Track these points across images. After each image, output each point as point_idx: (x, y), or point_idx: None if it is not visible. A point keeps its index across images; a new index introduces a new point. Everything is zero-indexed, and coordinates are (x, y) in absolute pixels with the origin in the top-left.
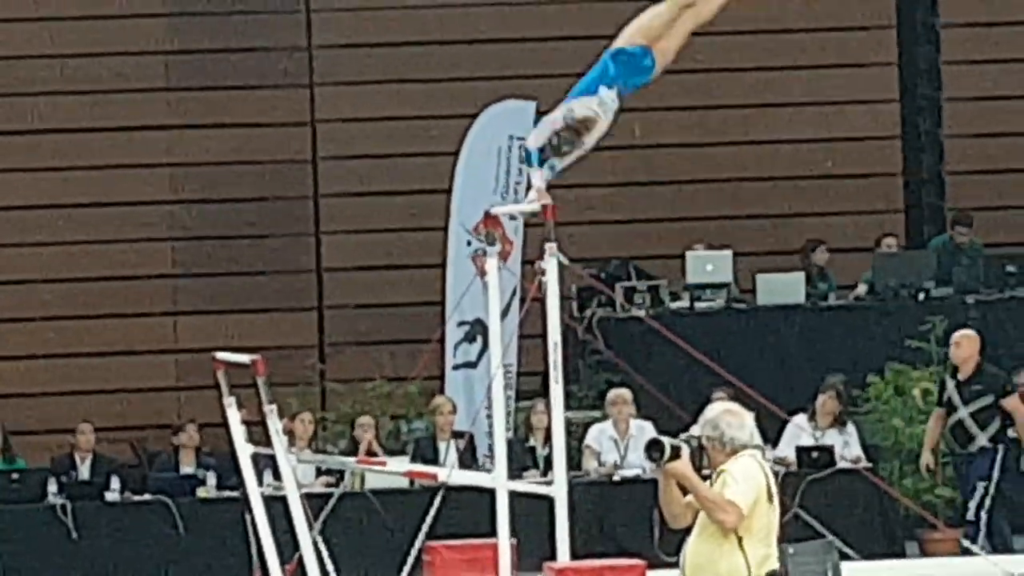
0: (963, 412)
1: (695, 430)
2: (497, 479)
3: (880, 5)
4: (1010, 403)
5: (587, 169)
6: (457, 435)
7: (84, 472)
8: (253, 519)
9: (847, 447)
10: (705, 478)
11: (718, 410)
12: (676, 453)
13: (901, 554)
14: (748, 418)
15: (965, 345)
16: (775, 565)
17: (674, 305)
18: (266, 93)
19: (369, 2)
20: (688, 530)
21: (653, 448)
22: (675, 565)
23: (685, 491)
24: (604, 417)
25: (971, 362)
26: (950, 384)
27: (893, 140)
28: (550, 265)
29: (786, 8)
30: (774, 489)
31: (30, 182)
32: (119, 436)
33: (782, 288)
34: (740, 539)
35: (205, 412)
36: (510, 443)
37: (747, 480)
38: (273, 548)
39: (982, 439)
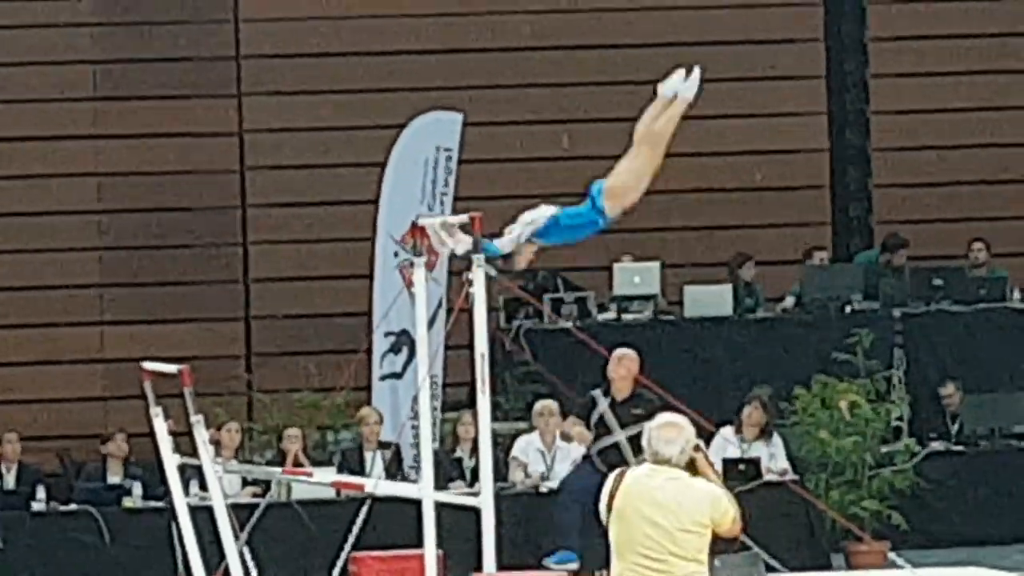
0: (620, 436)
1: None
2: (423, 490)
3: (809, 18)
4: None
5: (515, 180)
6: (383, 446)
7: (10, 482)
8: (179, 529)
9: (773, 459)
10: None
11: (656, 423)
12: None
13: (827, 566)
14: (681, 434)
15: (625, 363)
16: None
17: (601, 317)
18: (194, 103)
19: (297, 12)
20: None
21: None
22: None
23: None
24: (531, 428)
25: (628, 381)
26: (603, 403)
27: (821, 153)
28: (477, 276)
29: (715, 20)
30: (625, 502)
31: None
32: (46, 446)
33: (709, 300)
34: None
35: (132, 422)
36: (436, 454)
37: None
38: (199, 558)
39: None
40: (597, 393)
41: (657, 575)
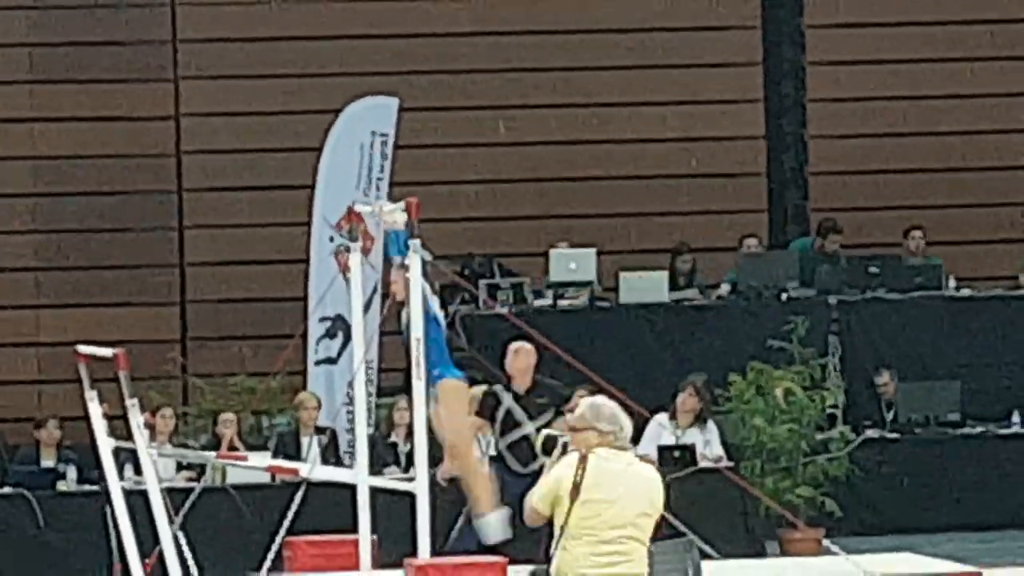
0: (529, 427)
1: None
2: (358, 475)
3: (745, 5)
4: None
5: (452, 166)
6: (319, 431)
7: None
8: (113, 513)
9: (708, 446)
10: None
11: (606, 403)
12: (565, 450)
13: (762, 553)
14: None
15: (523, 356)
16: (593, 566)
17: (537, 303)
18: (130, 87)
19: None
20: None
21: (548, 443)
22: (535, 561)
23: None
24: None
25: (528, 374)
26: (506, 397)
27: (757, 140)
28: (413, 261)
29: (652, 7)
30: (589, 484)
31: None
32: None
33: (645, 287)
34: (560, 536)
35: (66, 406)
36: (372, 439)
37: (551, 476)
38: (133, 542)
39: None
40: (498, 388)
41: (620, 558)
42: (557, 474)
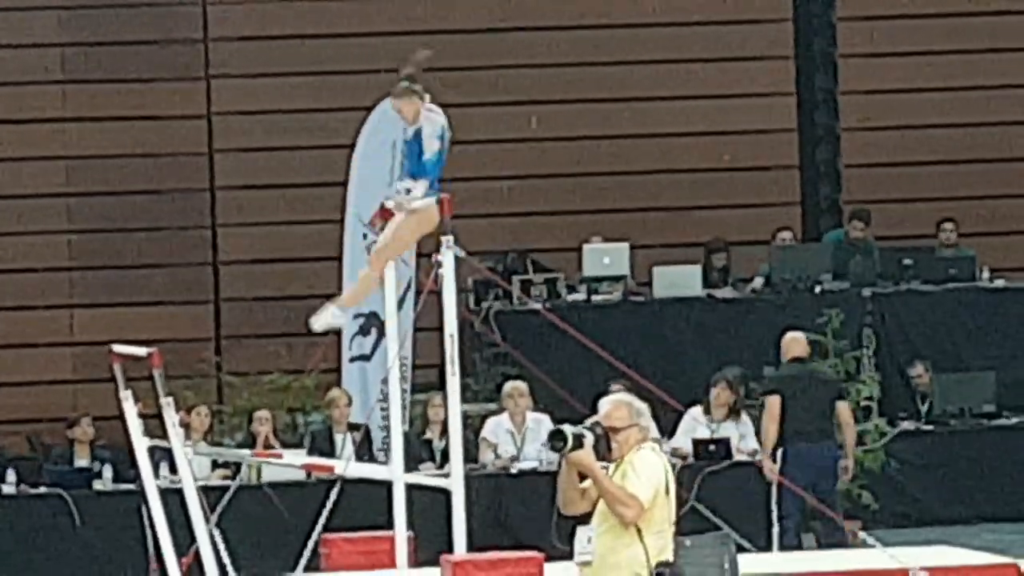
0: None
1: (598, 417)
2: (394, 472)
3: None
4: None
5: (484, 161)
6: (353, 428)
7: None
8: (149, 512)
9: (743, 440)
10: (604, 468)
11: (636, 399)
12: (579, 442)
13: (798, 546)
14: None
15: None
16: (670, 556)
17: (571, 298)
18: (162, 86)
19: None
20: (578, 517)
21: (555, 438)
22: (570, 556)
23: (584, 477)
24: (500, 410)
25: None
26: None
27: (790, 133)
28: (447, 258)
29: (684, 1)
30: (672, 482)
31: None
32: (15, 429)
33: (678, 281)
34: (640, 530)
35: (101, 405)
36: (406, 436)
37: (649, 474)
38: (169, 541)
39: None
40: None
41: (670, 551)
42: (653, 469)
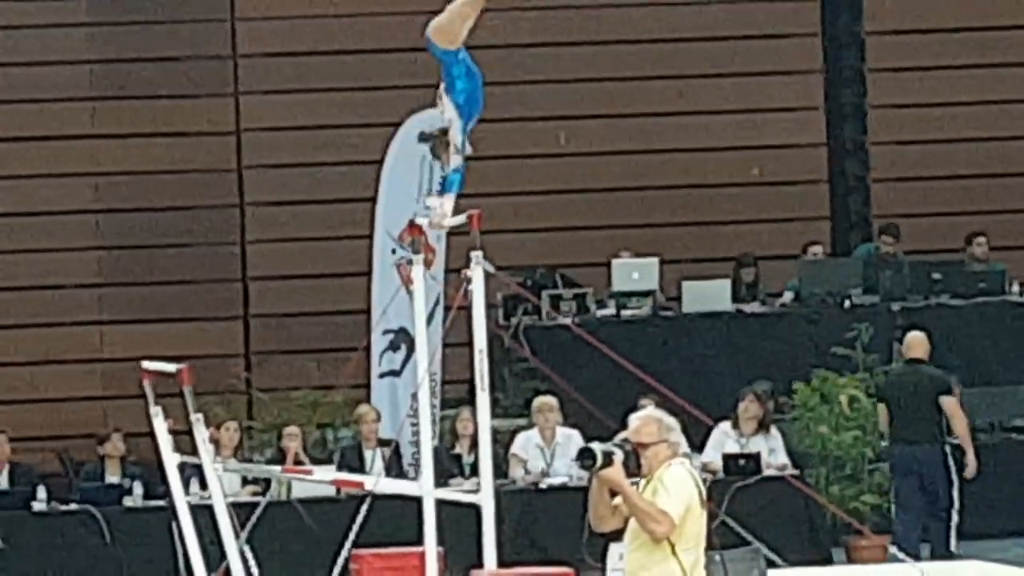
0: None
1: (627, 434)
2: (423, 487)
3: (805, 13)
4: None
5: (513, 177)
6: (383, 443)
7: (3, 483)
8: (180, 528)
9: (773, 454)
10: (634, 484)
11: (665, 414)
12: (609, 459)
13: (828, 561)
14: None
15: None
16: (702, 572)
17: (600, 313)
18: (191, 102)
19: (293, 11)
20: (610, 534)
21: (584, 456)
22: (601, 571)
23: (615, 494)
24: (530, 425)
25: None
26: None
27: (819, 148)
28: (476, 273)
29: (713, 16)
30: (703, 496)
31: None
32: (46, 446)
33: (708, 295)
34: (673, 546)
35: (131, 421)
36: (436, 451)
37: (679, 490)
38: (200, 557)
39: None
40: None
41: (701, 559)
42: (684, 485)
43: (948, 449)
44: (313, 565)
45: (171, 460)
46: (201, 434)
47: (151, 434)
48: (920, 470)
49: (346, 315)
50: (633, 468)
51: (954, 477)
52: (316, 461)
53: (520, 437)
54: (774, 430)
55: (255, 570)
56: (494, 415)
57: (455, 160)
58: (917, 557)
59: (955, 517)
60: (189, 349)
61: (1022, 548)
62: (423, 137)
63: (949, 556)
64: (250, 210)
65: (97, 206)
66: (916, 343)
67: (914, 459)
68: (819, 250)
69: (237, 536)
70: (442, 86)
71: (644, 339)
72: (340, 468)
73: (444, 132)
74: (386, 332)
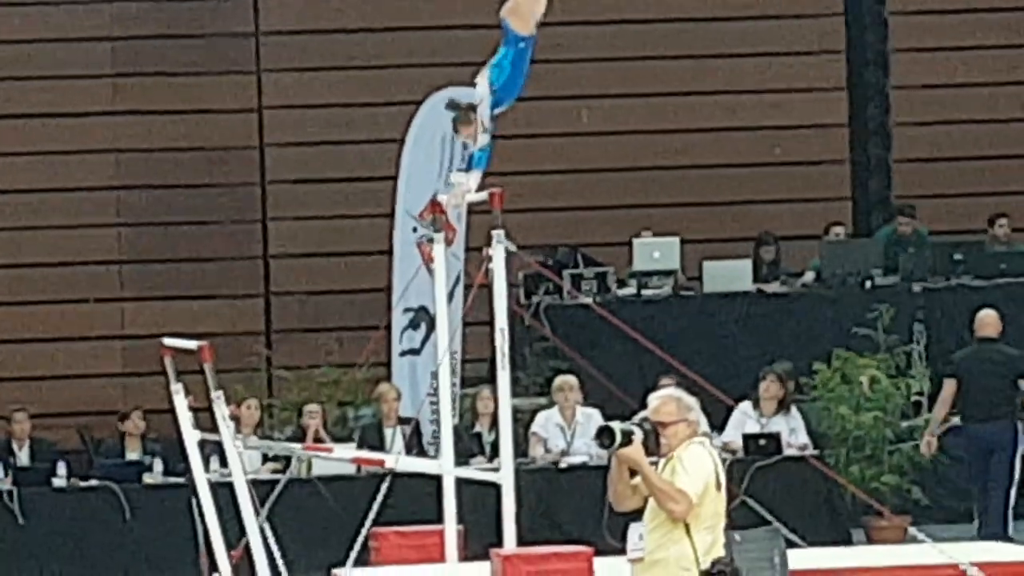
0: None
1: (647, 413)
2: (444, 466)
3: None
4: None
5: (534, 156)
6: (403, 421)
7: (23, 458)
8: (200, 505)
9: (793, 434)
10: (653, 463)
11: (685, 394)
12: (628, 439)
13: (848, 541)
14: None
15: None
16: (721, 552)
17: (621, 292)
18: (213, 79)
19: None
20: (630, 513)
21: (603, 435)
22: (622, 551)
23: (634, 473)
24: (550, 404)
25: None
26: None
27: (840, 128)
28: (497, 252)
29: None
30: (722, 477)
31: None
32: (66, 422)
33: (728, 275)
34: (687, 526)
35: (152, 398)
36: (456, 430)
37: (697, 469)
38: (220, 534)
39: None
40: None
41: (721, 546)
42: (702, 464)
43: (1020, 427)
44: (333, 543)
45: (191, 437)
46: (221, 411)
47: (171, 411)
48: (991, 447)
49: (367, 293)
50: (652, 447)
51: (1018, 459)
52: (336, 439)
53: (540, 416)
54: (794, 410)
55: (274, 547)
56: (514, 394)
57: (482, 139)
58: (1011, 539)
59: (1013, 497)
60: (210, 326)
61: None
62: (450, 104)
63: (1004, 537)
64: (271, 188)
65: (118, 183)
66: (988, 321)
67: (988, 437)
68: (840, 231)
69: (257, 513)
70: (491, 61)
71: (665, 318)
72: (360, 446)
73: (472, 108)
74: (406, 311)
